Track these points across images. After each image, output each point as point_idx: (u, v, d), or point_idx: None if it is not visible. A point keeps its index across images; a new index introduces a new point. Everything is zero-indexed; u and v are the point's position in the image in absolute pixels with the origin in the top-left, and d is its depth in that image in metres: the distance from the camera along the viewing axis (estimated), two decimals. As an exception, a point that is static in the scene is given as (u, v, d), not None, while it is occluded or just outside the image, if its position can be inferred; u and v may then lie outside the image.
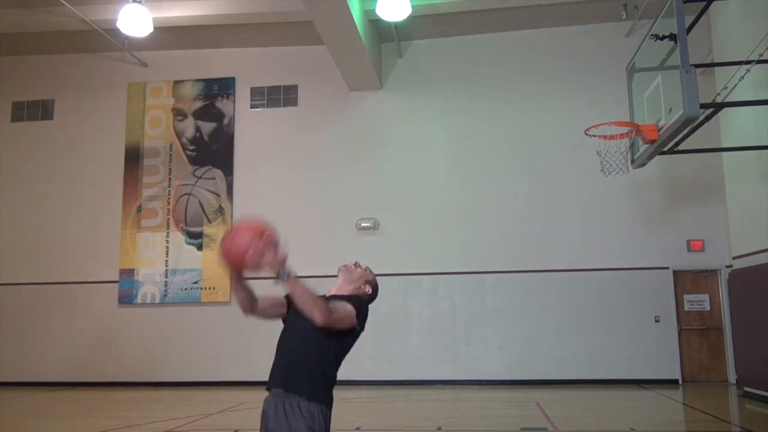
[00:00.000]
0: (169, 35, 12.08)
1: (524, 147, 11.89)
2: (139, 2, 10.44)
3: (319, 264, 12.00)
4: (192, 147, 12.87)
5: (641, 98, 7.22)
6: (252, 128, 12.79)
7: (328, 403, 2.77)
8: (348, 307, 2.81)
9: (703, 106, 6.10)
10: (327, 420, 2.74)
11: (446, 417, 8.16)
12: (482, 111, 12.13)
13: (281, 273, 2.59)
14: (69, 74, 13.50)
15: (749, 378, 9.05)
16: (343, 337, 2.83)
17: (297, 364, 2.75)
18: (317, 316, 2.61)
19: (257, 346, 11.99)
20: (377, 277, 3.19)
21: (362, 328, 2.89)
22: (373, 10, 10.42)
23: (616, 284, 11.28)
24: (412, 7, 10.31)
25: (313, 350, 2.76)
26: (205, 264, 12.36)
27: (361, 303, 2.92)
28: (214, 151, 12.79)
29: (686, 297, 11.21)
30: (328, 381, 2.80)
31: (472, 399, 9.70)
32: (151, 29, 10.69)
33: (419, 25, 11.76)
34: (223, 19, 11.52)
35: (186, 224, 12.60)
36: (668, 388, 10.41)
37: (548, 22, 11.96)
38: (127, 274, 12.57)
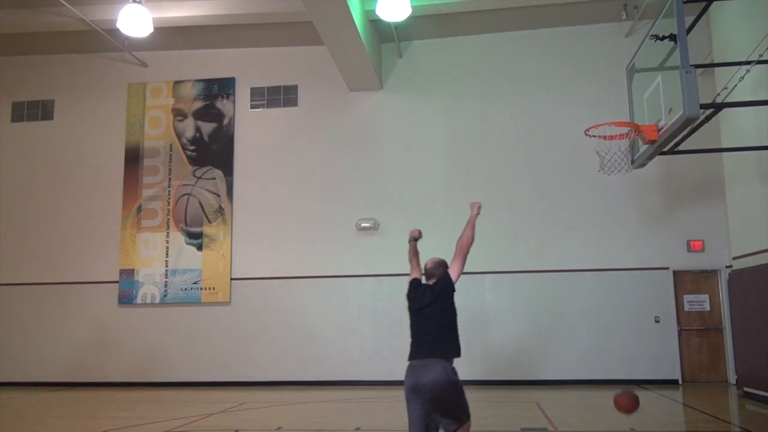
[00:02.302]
0: (169, 35, 12.08)
1: (524, 147, 11.89)
2: (139, 2, 10.43)
3: (319, 264, 12.05)
4: (192, 147, 12.87)
5: (641, 98, 7.23)
6: (252, 128, 12.79)
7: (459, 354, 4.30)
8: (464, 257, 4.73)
9: (703, 106, 6.11)
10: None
11: (446, 417, 8.15)
12: (482, 111, 12.13)
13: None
14: (69, 74, 13.50)
15: (749, 378, 9.05)
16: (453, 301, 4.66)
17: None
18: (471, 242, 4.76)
19: (257, 346, 12.01)
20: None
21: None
22: (373, 10, 10.42)
23: (616, 284, 11.27)
24: (412, 7, 10.31)
25: (445, 319, 4.62)
26: (205, 264, 12.36)
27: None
28: (214, 151, 12.79)
29: (686, 297, 11.21)
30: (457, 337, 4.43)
31: (472, 399, 9.65)
32: (151, 29, 10.69)
33: (419, 25, 11.76)
34: (223, 19, 11.53)
35: (186, 224, 12.60)
36: (668, 388, 10.41)
37: (548, 22, 11.95)
38: (127, 274, 12.57)
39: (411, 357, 4.42)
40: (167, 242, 12.59)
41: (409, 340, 4.58)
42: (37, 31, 12.14)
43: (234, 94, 12.91)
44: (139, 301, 12.45)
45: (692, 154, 8.51)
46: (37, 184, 13.18)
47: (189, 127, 12.96)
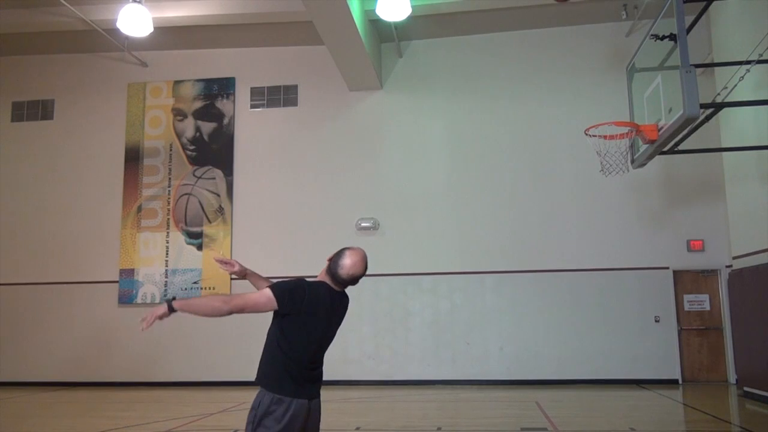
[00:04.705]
0: (169, 35, 12.08)
1: (524, 147, 11.89)
2: (139, 2, 10.43)
3: (318, 264, 12.04)
4: (192, 147, 12.87)
5: (641, 98, 7.23)
6: (252, 128, 12.79)
7: (272, 388, 3.00)
8: (254, 295, 2.98)
9: (703, 106, 6.11)
10: (274, 404, 2.95)
11: (446, 417, 8.16)
12: (482, 111, 12.13)
13: (169, 306, 2.88)
14: (69, 74, 13.49)
15: (749, 378, 9.05)
16: (282, 322, 3.05)
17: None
18: (215, 312, 2.90)
19: (257, 346, 11.99)
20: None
21: (290, 309, 3.00)
22: (373, 10, 10.41)
23: (616, 284, 11.27)
24: (412, 7, 10.30)
25: (268, 341, 3.13)
26: (205, 264, 12.36)
27: (283, 286, 3.04)
28: (214, 151, 12.79)
29: (686, 297, 11.21)
30: (276, 366, 3.05)
31: (472, 399, 9.70)
32: (151, 29, 10.68)
33: (419, 25, 11.75)
34: (223, 19, 11.53)
35: (186, 224, 12.60)
36: (668, 388, 10.41)
37: (548, 22, 11.95)
38: (127, 273, 12.57)
39: (300, 393, 3.17)
40: (167, 242, 12.59)
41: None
42: (37, 31, 12.14)
43: (234, 93, 12.91)
44: (139, 300, 12.45)
45: (692, 153, 8.53)
46: (37, 184, 13.17)
47: (189, 127, 12.96)
